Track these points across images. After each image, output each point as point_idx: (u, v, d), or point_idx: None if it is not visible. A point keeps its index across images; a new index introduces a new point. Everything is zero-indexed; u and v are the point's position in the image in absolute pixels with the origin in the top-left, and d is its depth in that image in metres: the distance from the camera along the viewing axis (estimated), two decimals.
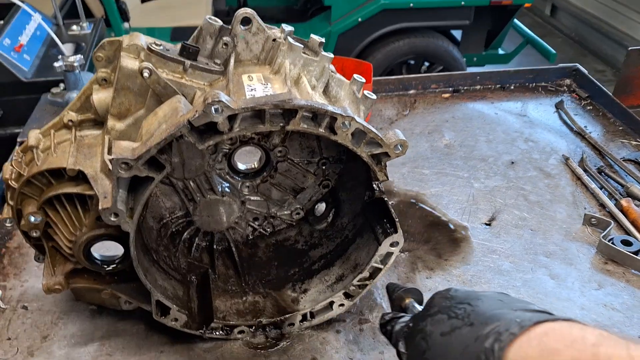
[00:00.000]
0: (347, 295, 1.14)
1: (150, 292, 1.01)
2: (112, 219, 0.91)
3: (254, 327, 1.12)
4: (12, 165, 1.06)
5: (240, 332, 1.12)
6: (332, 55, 1.07)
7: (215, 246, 1.22)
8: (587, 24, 5.73)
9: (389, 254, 1.09)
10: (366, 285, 1.12)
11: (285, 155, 1.17)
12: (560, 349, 0.60)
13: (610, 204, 1.46)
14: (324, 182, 1.23)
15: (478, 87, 2.09)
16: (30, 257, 1.31)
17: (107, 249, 1.08)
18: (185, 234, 1.19)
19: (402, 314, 0.92)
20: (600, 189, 1.52)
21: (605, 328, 0.92)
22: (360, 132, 0.95)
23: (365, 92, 1.04)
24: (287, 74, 1.01)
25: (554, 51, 4.01)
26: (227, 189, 1.17)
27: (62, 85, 1.93)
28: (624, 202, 1.44)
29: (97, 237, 1.03)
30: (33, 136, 1.08)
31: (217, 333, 1.11)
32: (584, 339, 0.60)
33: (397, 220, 1.05)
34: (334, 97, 1.07)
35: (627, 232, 1.37)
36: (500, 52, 4.30)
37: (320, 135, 0.94)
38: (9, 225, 1.09)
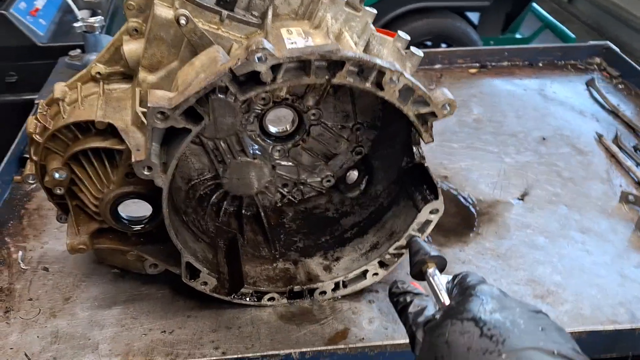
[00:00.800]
0: (382, 264, 1.09)
1: (180, 253, 0.97)
2: (146, 172, 0.86)
3: (285, 294, 1.08)
4: (36, 118, 1.01)
5: (271, 299, 1.08)
6: (375, 11, 1.01)
7: (243, 211, 1.18)
8: (605, 11, 5.63)
9: (427, 222, 1.04)
10: (402, 254, 1.08)
11: (319, 119, 1.13)
12: None
13: None
14: (357, 149, 1.19)
15: (505, 63, 2.03)
16: (50, 219, 1.27)
17: (130, 212, 1.04)
18: (214, 197, 1.14)
19: (419, 292, 0.87)
20: (637, 166, 1.47)
21: None
22: (408, 89, 0.90)
23: (412, 48, 0.99)
24: (329, 27, 0.96)
25: (573, 35, 3.93)
26: (258, 152, 1.13)
27: (78, 50, 1.87)
28: None
29: (126, 194, 0.99)
30: (59, 89, 1.03)
31: (248, 299, 1.07)
32: None
33: (438, 185, 1.00)
34: (376, 55, 1.02)
35: None
36: (518, 36, 4.21)
37: (366, 91, 0.89)
38: (32, 182, 1.04)
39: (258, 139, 1.12)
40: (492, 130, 1.67)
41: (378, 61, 0.86)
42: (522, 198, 1.41)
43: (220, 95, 0.84)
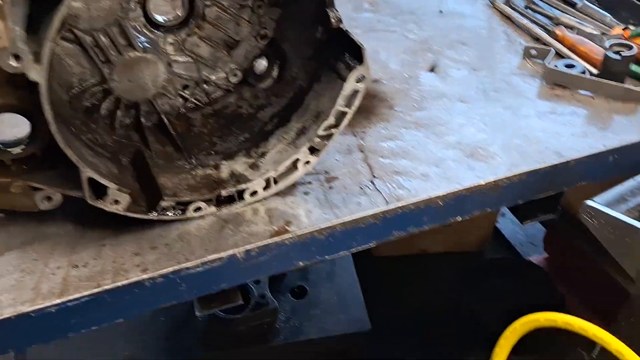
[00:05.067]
0: (313, 150, 1.00)
1: (78, 168, 0.80)
2: (13, 63, 0.67)
3: (212, 201, 0.96)
4: None
5: (197, 209, 0.95)
6: None
7: (143, 120, 1.01)
8: None
9: (355, 93, 0.96)
10: (332, 134, 0.99)
11: None
12: None
13: (544, 35, 1.44)
14: (261, 32, 1.05)
15: None
16: None
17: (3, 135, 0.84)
18: (103, 107, 0.96)
19: None
20: (532, 24, 1.49)
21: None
22: None
23: None
24: None
25: None
26: (148, 45, 0.95)
27: None
28: (557, 31, 1.42)
29: None
30: None
31: (170, 213, 0.93)
32: None
33: (363, 47, 0.91)
34: None
35: (566, 58, 1.36)
36: None
37: None
38: None
39: (145, 30, 0.95)
40: (390, 12, 1.60)
41: None
42: (432, 70, 1.38)
43: None
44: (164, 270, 0.83)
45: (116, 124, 0.99)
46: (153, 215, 0.91)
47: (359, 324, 1.54)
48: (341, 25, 0.93)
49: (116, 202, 0.87)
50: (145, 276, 0.83)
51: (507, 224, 2.20)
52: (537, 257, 2.00)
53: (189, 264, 0.84)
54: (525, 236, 2.13)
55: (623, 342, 0.84)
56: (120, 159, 0.96)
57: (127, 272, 0.85)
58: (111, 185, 0.85)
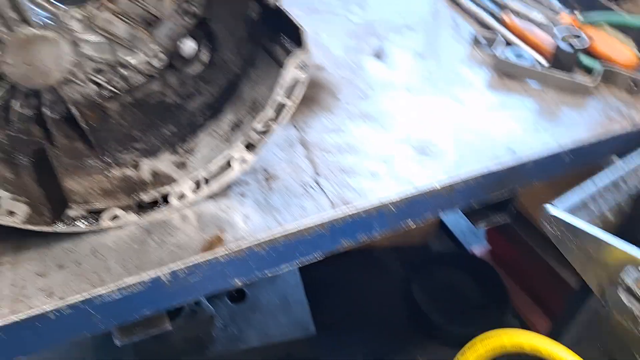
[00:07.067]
0: (249, 146, 0.88)
1: None
2: None
3: (131, 208, 0.82)
4: None
5: (114, 217, 0.81)
6: None
7: (47, 112, 0.85)
8: None
9: (296, 83, 0.84)
10: (271, 128, 0.88)
11: None
12: None
13: (493, 22, 1.37)
14: (188, 9, 0.91)
15: None
16: None
17: None
18: None
19: None
20: (481, 10, 1.42)
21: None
22: None
23: None
24: None
25: None
26: (49, 22, 0.80)
27: None
28: (504, 16, 1.36)
29: None
30: None
31: (81, 224, 0.79)
32: None
33: (302, 29, 0.80)
34: None
35: (515, 46, 1.30)
36: None
37: None
38: None
39: (44, 2, 0.79)
40: None
41: None
42: (378, 56, 1.28)
43: None
44: (73, 298, 0.69)
45: (12, 116, 0.82)
46: (59, 227, 0.77)
47: (304, 328, 1.44)
48: (278, 4, 0.82)
49: (11, 213, 0.72)
50: (48, 307, 0.68)
51: (450, 214, 2.17)
52: (479, 247, 1.98)
53: (102, 290, 0.71)
54: (467, 226, 2.11)
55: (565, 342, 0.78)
56: (16, 159, 0.80)
57: (28, 298, 0.71)
58: (3, 194, 0.69)
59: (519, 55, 1.25)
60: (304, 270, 1.62)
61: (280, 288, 1.50)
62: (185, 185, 0.86)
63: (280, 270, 0.83)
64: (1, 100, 0.81)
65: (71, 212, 0.77)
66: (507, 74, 1.24)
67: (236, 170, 0.89)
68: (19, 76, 0.79)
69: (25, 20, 0.76)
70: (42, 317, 0.68)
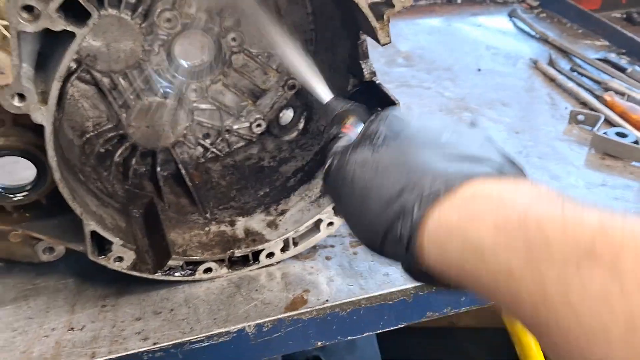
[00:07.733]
0: None
1: (81, 220, 0.73)
2: (17, 103, 0.61)
3: (224, 262, 0.87)
4: None
5: (207, 270, 0.86)
6: None
7: (159, 170, 0.95)
8: None
9: None
10: None
11: (241, 45, 0.92)
12: (483, 215, 0.46)
13: (592, 100, 1.34)
14: (289, 82, 0.99)
15: (423, 2, 1.92)
16: None
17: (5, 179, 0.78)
18: (118, 154, 0.90)
19: (343, 133, 0.70)
20: (578, 87, 1.40)
21: None
22: None
23: None
24: None
25: None
26: (169, 91, 0.90)
27: None
28: (607, 96, 1.33)
29: None
30: None
31: (178, 274, 0.85)
32: (513, 202, 0.46)
33: (397, 102, 0.84)
34: None
35: (617, 126, 1.26)
36: None
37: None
38: None
39: (167, 75, 0.89)
40: (425, 67, 1.54)
41: None
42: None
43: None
44: (165, 343, 0.74)
45: (130, 172, 0.92)
46: (159, 276, 0.83)
47: None
48: (374, 78, 0.87)
49: (120, 259, 0.79)
50: (143, 349, 0.73)
51: None
52: None
53: (192, 337, 0.75)
54: None
55: None
56: (130, 211, 0.88)
57: (125, 340, 0.76)
58: (115, 241, 0.77)
59: (621, 134, 1.21)
60: (383, 343, 1.58)
61: (359, 359, 1.47)
62: (275, 245, 0.90)
63: (361, 336, 0.83)
64: (123, 157, 0.92)
65: (172, 262, 0.83)
66: (608, 152, 1.20)
67: (323, 232, 0.92)
68: (139, 137, 0.89)
69: (151, 90, 0.87)
70: (136, 357, 0.73)
